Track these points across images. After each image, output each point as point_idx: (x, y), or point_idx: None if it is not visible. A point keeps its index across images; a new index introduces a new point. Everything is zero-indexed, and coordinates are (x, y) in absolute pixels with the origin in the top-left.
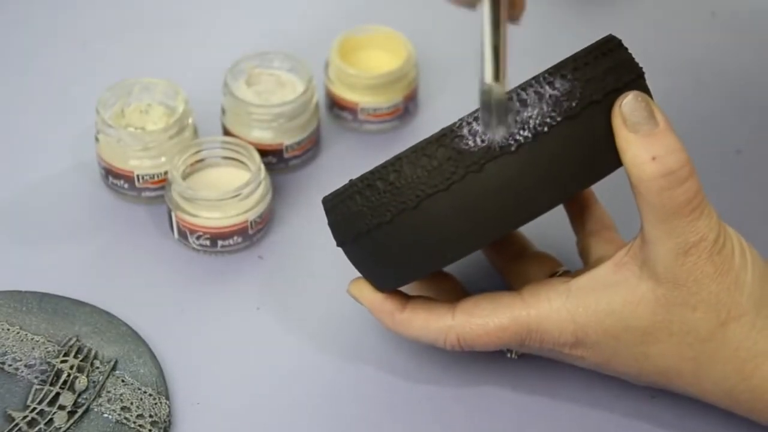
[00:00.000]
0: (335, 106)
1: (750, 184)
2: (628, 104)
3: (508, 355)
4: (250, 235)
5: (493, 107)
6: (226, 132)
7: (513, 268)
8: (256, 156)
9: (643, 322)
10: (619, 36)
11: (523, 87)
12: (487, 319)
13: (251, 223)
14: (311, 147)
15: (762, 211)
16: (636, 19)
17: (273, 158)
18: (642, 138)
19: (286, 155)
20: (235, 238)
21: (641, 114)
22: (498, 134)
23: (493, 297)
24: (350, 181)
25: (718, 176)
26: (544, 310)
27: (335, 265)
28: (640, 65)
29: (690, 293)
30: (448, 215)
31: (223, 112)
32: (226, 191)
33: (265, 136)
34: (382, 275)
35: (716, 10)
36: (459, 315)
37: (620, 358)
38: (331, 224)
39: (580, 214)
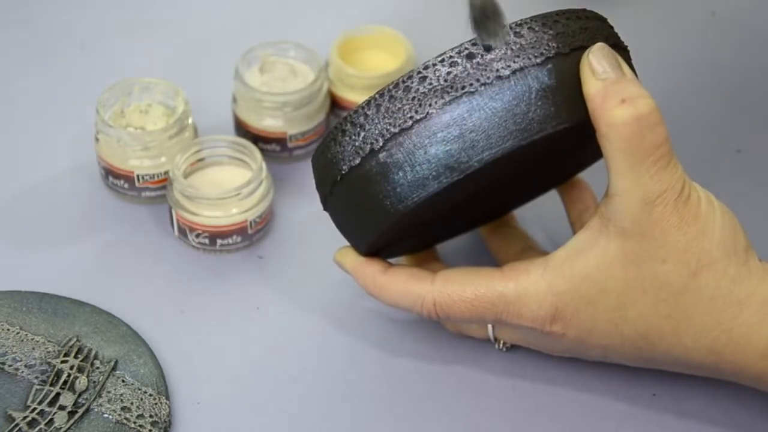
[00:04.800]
0: (336, 105)
1: (750, 184)
2: (595, 54)
3: (497, 346)
4: (249, 234)
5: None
6: (238, 121)
7: (494, 240)
8: (258, 155)
9: (617, 282)
10: (619, 36)
11: None
12: (464, 286)
13: (251, 222)
14: (316, 139)
15: (762, 211)
16: (636, 19)
17: (276, 146)
18: (610, 83)
19: (289, 144)
20: (234, 237)
21: (609, 62)
22: (499, 40)
23: (474, 268)
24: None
25: (718, 176)
26: (522, 283)
27: (335, 266)
28: (640, 64)
29: (657, 245)
30: (412, 155)
31: (234, 100)
32: (227, 190)
33: (276, 124)
34: (358, 229)
35: (716, 10)
36: (438, 281)
37: (600, 327)
38: (316, 182)
39: (572, 201)
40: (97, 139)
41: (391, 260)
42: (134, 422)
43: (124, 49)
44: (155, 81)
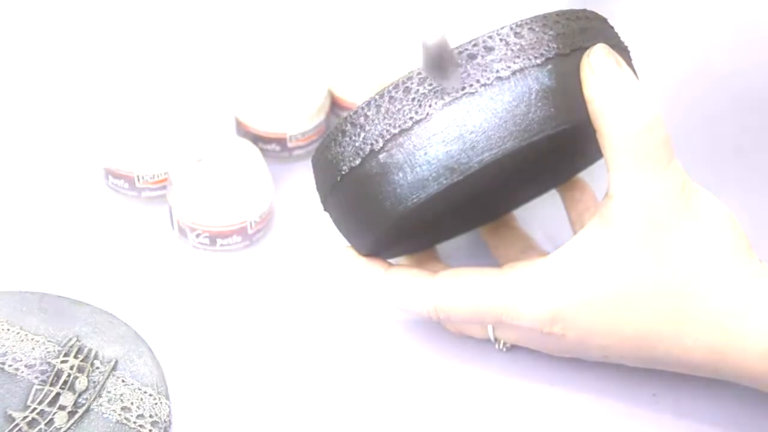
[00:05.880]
0: (336, 105)
1: (750, 184)
2: (596, 55)
3: (497, 346)
4: (249, 234)
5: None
6: (238, 121)
7: (494, 240)
8: (258, 155)
9: (616, 283)
10: (619, 36)
11: (490, 35)
12: (465, 286)
13: (251, 223)
14: (316, 139)
15: (762, 211)
16: (636, 19)
17: (276, 146)
18: (611, 85)
19: (289, 144)
20: (234, 237)
21: (610, 63)
22: (450, 81)
23: (474, 268)
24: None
25: (718, 176)
26: (522, 284)
27: (335, 266)
28: (640, 64)
29: (658, 246)
30: (412, 155)
31: (234, 100)
32: (227, 190)
33: (276, 124)
34: (358, 229)
35: (716, 10)
36: (438, 281)
37: (599, 328)
38: (316, 182)
39: (572, 201)
40: (97, 139)
41: (391, 260)
42: (134, 422)
43: (124, 49)
44: (156, 81)
